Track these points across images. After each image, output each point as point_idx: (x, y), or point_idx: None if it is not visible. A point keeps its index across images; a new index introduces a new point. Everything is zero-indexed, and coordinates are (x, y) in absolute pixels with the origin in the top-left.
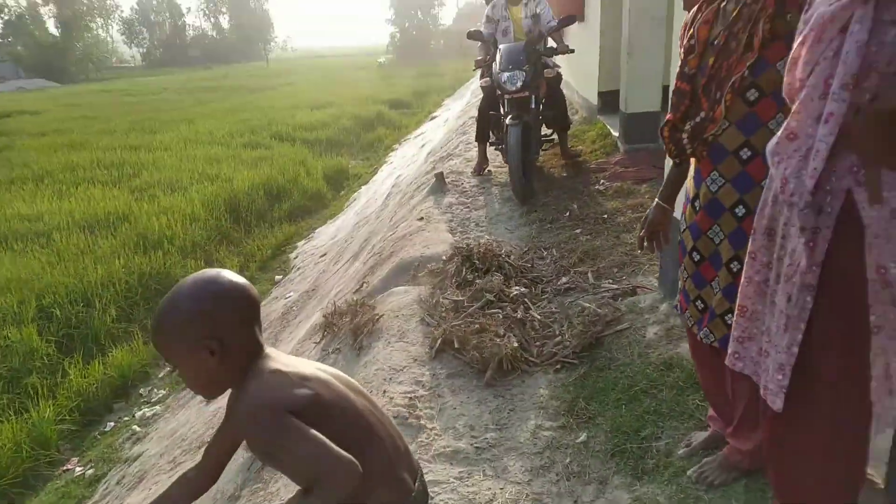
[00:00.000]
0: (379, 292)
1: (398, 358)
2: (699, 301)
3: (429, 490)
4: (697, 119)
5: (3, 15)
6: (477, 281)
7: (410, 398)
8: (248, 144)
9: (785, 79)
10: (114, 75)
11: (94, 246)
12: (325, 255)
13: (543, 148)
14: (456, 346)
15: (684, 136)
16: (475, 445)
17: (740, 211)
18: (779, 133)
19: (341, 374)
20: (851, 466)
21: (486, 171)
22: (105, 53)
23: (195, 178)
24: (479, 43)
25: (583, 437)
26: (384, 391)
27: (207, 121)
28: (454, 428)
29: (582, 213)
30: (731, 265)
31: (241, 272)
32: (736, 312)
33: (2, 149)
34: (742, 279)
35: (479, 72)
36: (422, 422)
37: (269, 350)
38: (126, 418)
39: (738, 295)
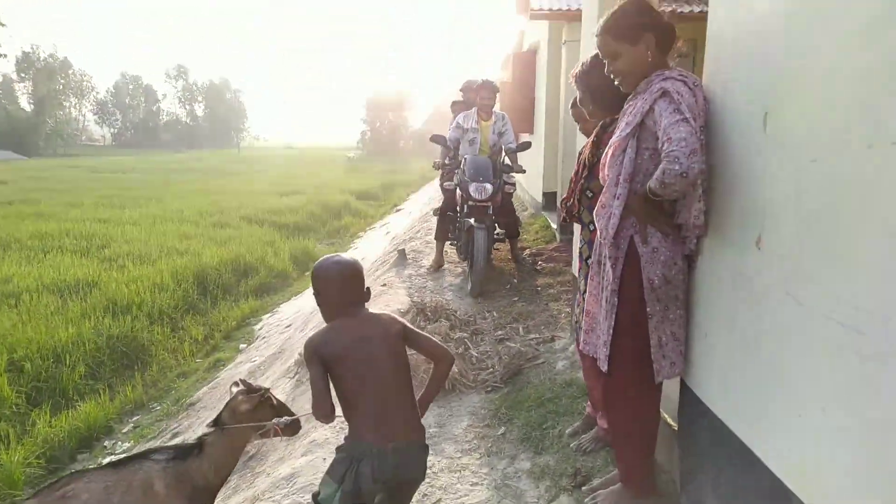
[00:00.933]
0: None
1: None
2: (578, 323)
3: None
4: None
5: None
6: (428, 326)
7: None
8: (218, 224)
9: (599, 175)
10: (81, 152)
11: (63, 308)
12: (290, 325)
13: (496, 248)
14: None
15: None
16: None
17: (590, 260)
18: (597, 205)
19: (383, 353)
20: (648, 404)
21: (442, 269)
22: (75, 131)
23: (164, 252)
24: (440, 146)
25: (501, 430)
26: None
27: (177, 200)
28: None
29: (520, 286)
30: (586, 294)
31: (206, 341)
32: (584, 315)
33: None
34: (587, 295)
35: (439, 172)
36: None
37: (354, 314)
38: (90, 466)
39: (586, 304)
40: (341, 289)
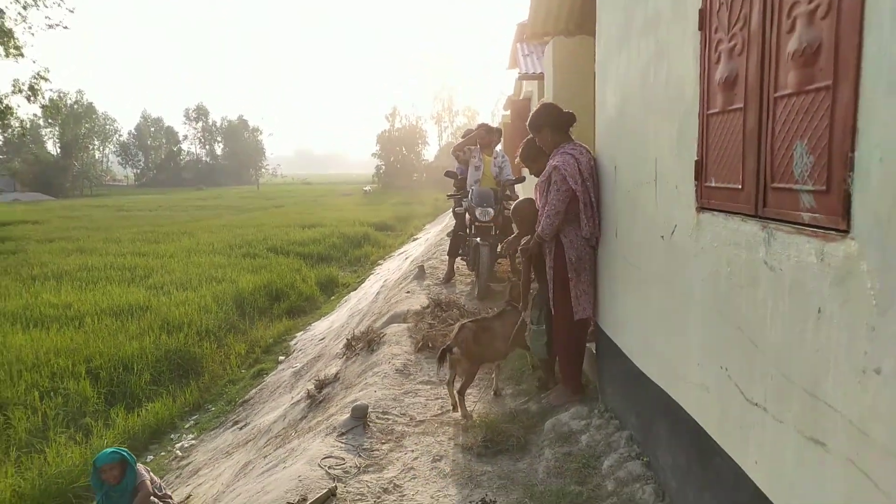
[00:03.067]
0: (381, 329)
1: (396, 351)
2: None
3: (399, 397)
4: None
5: (5, 134)
6: (442, 314)
7: (405, 364)
8: (247, 255)
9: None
10: (107, 192)
11: (123, 327)
12: (323, 338)
13: (498, 262)
14: (429, 345)
15: None
16: (436, 380)
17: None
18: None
19: None
20: (576, 333)
21: (453, 281)
22: (101, 172)
23: (204, 280)
24: (453, 179)
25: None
26: (389, 362)
27: (206, 234)
28: (428, 375)
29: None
30: None
31: (248, 354)
32: None
33: (15, 251)
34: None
35: (451, 201)
36: (410, 370)
37: None
38: (163, 453)
39: None
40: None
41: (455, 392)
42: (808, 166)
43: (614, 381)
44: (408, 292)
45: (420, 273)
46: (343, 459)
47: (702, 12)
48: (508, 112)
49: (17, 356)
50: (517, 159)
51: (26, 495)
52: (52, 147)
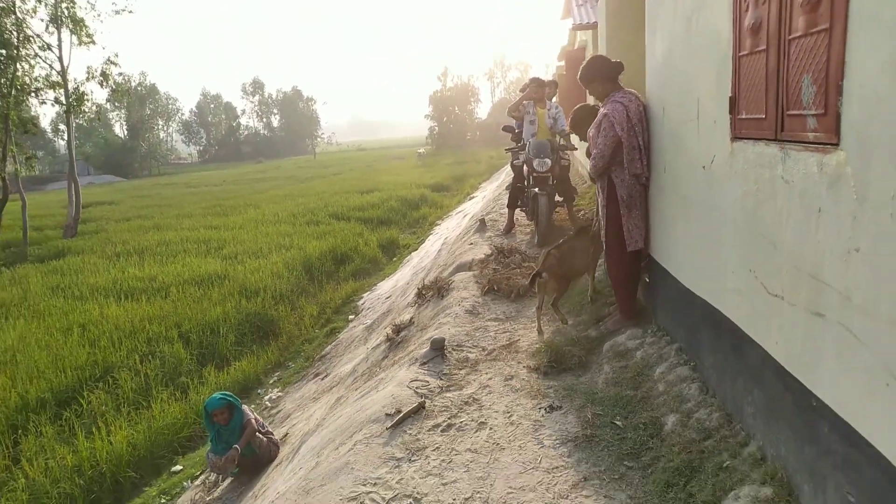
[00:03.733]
0: (448, 277)
1: (465, 295)
2: None
3: (470, 332)
4: None
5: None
6: (504, 259)
7: (473, 306)
8: (311, 222)
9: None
10: (173, 170)
11: (206, 295)
12: (389, 296)
13: (556, 210)
14: (494, 287)
15: None
16: (503, 317)
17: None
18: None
19: None
20: (629, 263)
21: (513, 232)
22: (166, 151)
23: (273, 247)
24: (510, 134)
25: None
26: (459, 305)
27: (270, 205)
28: (495, 314)
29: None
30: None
31: (319, 315)
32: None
33: (97, 231)
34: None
35: (509, 155)
36: (479, 310)
37: None
38: (252, 406)
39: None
40: None
41: (551, 305)
42: (812, 95)
43: (665, 303)
44: (471, 244)
45: (481, 226)
46: (427, 382)
47: None
48: (563, 63)
49: (115, 325)
50: (569, 121)
51: (139, 445)
52: (120, 130)
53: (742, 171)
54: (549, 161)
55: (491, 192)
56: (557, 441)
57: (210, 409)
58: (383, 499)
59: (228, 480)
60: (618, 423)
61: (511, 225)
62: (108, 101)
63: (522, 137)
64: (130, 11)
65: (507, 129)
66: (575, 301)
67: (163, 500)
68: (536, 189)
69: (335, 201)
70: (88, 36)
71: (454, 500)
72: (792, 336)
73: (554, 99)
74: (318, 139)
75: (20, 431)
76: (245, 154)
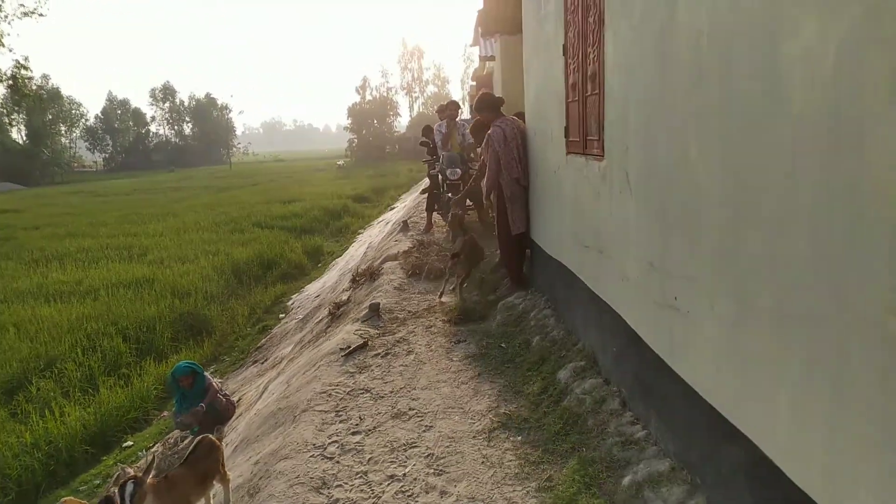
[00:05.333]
0: (378, 266)
1: (392, 277)
2: None
3: (399, 302)
4: None
5: None
6: (425, 251)
7: (401, 284)
8: (234, 230)
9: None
10: (78, 178)
11: (138, 296)
12: (318, 295)
13: (467, 213)
14: (417, 271)
15: None
16: (424, 291)
17: None
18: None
19: None
20: (515, 244)
21: (431, 231)
22: (69, 158)
23: (199, 253)
24: (426, 148)
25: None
26: (389, 283)
27: (189, 214)
28: (418, 289)
29: (484, 236)
30: None
31: (250, 315)
32: None
33: (7, 238)
34: None
35: (427, 166)
36: (405, 287)
37: None
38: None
39: None
40: None
41: (459, 285)
42: (595, 129)
43: (539, 270)
44: (396, 241)
45: (404, 227)
46: (368, 331)
47: (564, 46)
48: (475, 83)
49: (52, 323)
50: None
51: (90, 425)
52: (17, 135)
53: (571, 173)
54: (459, 171)
55: (411, 202)
56: (462, 357)
57: (177, 375)
58: (344, 391)
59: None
60: (503, 346)
61: (429, 225)
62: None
63: (437, 151)
64: (42, 14)
65: (423, 143)
66: (478, 280)
67: (120, 466)
68: (450, 194)
69: (258, 210)
70: None
71: (392, 390)
72: (592, 268)
73: (465, 117)
74: (234, 149)
75: None
76: (155, 163)
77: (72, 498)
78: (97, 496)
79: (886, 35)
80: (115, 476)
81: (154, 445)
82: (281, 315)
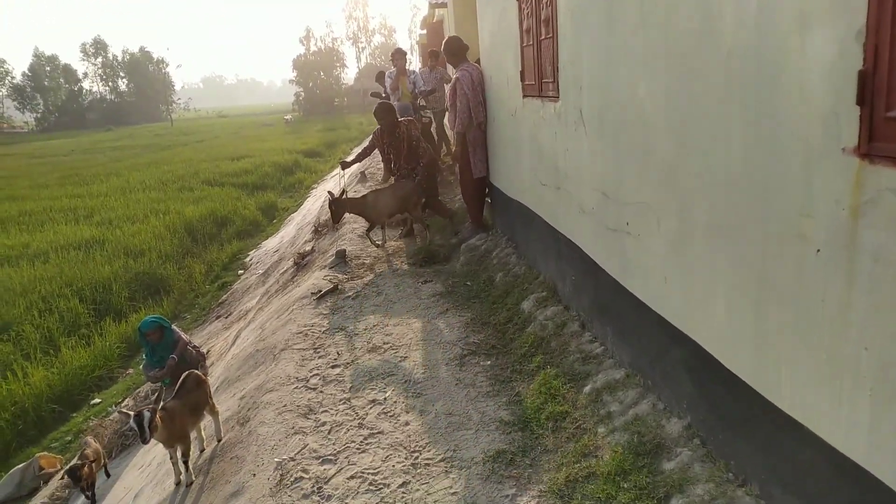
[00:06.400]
0: None
1: (356, 226)
2: None
3: (364, 248)
4: None
5: None
6: None
7: (363, 233)
8: (183, 189)
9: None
10: (8, 140)
11: (90, 257)
12: (277, 250)
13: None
14: None
15: None
16: (388, 238)
17: None
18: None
19: None
20: (476, 185)
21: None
22: None
23: (149, 213)
24: (378, 99)
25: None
26: (353, 232)
27: (134, 173)
28: (380, 236)
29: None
30: None
31: (208, 273)
32: None
33: None
34: None
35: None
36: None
37: None
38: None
39: None
40: None
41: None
42: (550, 72)
43: (499, 212)
44: (355, 192)
45: (362, 177)
46: (336, 276)
47: None
48: (425, 31)
49: (4, 287)
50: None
51: (55, 385)
52: None
53: (528, 115)
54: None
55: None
56: (430, 296)
57: (144, 330)
58: (320, 331)
59: (162, 391)
60: (468, 283)
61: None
62: None
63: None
64: None
65: (374, 94)
66: (441, 223)
67: (92, 421)
68: None
69: (205, 168)
70: None
71: (365, 327)
72: (549, 204)
73: (415, 65)
74: (174, 105)
75: None
76: (91, 122)
77: (45, 453)
78: (70, 451)
79: None
80: (80, 450)
81: (124, 400)
82: (240, 271)
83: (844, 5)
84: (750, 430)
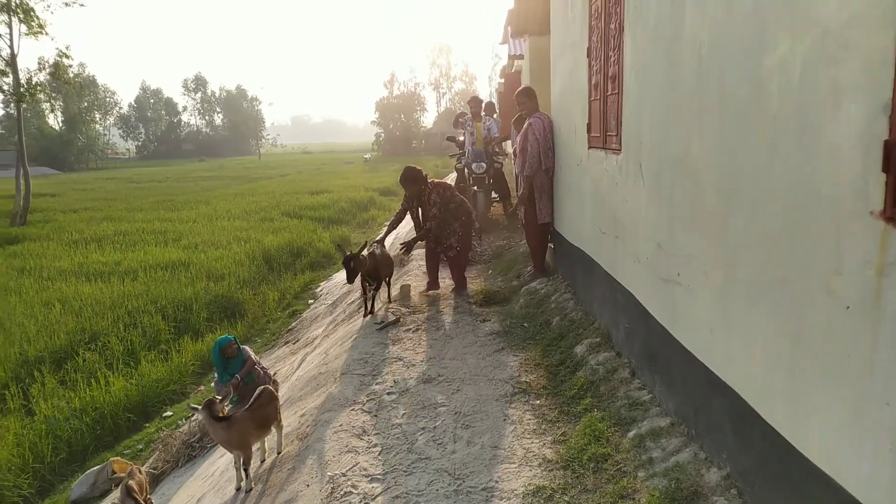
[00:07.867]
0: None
1: (422, 263)
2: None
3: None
4: None
5: (8, 109)
6: None
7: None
8: (265, 219)
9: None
10: (111, 165)
11: (175, 278)
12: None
13: (493, 205)
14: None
15: None
16: (447, 279)
17: None
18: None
19: None
20: (541, 233)
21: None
22: (104, 145)
23: (232, 240)
24: (453, 143)
25: (491, 264)
26: (418, 267)
27: (221, 202)
28: (444, 273)
29: (509, 227)
30: None
31: (280, 300)
32: None
33: (46, 221)
34: None
35: (454, 160)
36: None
37: None
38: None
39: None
40: None
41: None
42: (614, 126)
43: (561, 258)
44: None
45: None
46: (400, 309)
47: (588, 49)
48: (503, 80)
49: (95, 300)
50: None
51: (132, 395)
52: (54, 121)
53: (592, 165)
54: (484, 164)
55: None
56: (487, 334)
57: (222, 344)
58: (380, 359)
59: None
60: (525, 325)
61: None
62: (41, 91)
63: (464, 146)
64: (82, 4)
65: (450, 139)
66: (504, 266)
67: (163, 431)
68: (475, 187)
69: (286, 201)
70: (40, 26)
71: (422, 359)
72: (608, 252)
73: (495, 115)
74: (263, 140)
75: (27, 381)
76: (186, 152)
77: (119, 458)
78: (141, 458)
79: (831, 55)
80: (124, 481)
81: (193, 415)
82: (310, 301)
83: (873, 79)
84: (784, 482)
